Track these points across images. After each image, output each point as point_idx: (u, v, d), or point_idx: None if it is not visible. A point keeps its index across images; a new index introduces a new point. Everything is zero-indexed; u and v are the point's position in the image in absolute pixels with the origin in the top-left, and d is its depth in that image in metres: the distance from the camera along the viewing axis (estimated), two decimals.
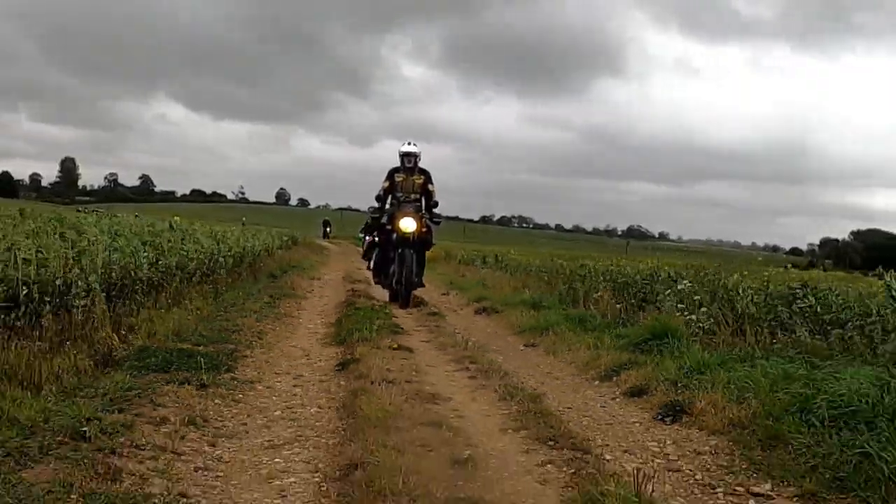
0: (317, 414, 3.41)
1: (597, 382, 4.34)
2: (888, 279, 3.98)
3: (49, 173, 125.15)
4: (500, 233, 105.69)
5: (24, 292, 4.13)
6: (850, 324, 4.07)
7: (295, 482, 2.54)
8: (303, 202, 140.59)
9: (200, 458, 2.67)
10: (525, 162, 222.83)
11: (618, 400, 3.93)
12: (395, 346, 4.71)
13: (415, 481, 2.41)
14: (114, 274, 5.38)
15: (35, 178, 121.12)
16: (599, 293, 6.77)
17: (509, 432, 3.19)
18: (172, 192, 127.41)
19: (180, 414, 3.04)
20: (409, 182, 8.56)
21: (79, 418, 2.90)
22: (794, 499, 2.60)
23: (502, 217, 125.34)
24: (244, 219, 37.28)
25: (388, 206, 8.56)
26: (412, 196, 8.53)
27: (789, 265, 17.68)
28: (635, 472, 2.62)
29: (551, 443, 3.01)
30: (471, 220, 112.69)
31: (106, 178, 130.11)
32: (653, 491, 2.48)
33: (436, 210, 8.59)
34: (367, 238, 21.13)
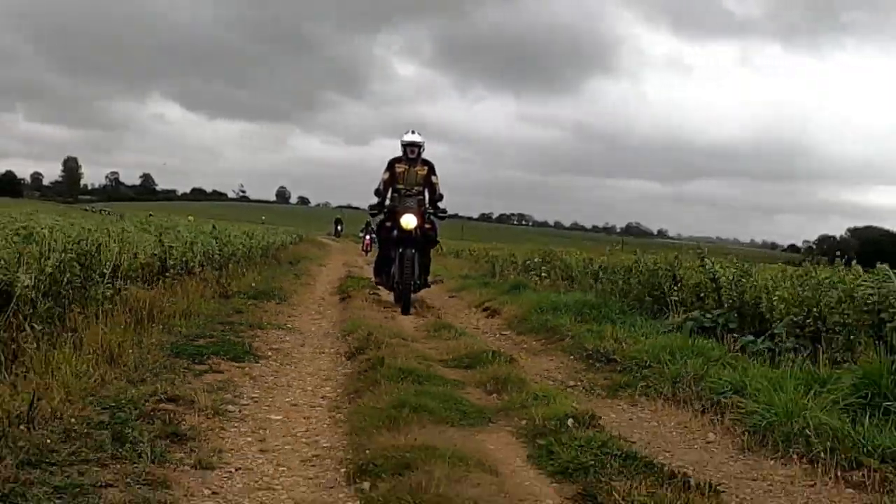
0: (331, 314, 7.67)
1: (474, 308, 8.62)
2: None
3: (49, 172, 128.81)
4: (498, 230, 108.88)
5: (171, 264, 8.39)
6: (587, 274, 8.38)
7: (325, 325, 6.80)
8: (303, 200, 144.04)
9: (284, 317, 6.93)
10: (521, 160, 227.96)
11: (478, 314, 8.21)
12: (370, 292, 8.99)
13: (375, 333, 6.61)
14: (206, 257, 9.65)
15: (36, 177, 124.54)
16: (505, 270, 11.07)
17: (420, 328, 7.39)
18: (174, 191, 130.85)
19: (273, 310, 7.29)
20: (411, 173, 8.33)
21: (227, 311, 7.12)
22: (518, 334, 6.83)
23: (501, 215, 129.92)
24: (263, 218, 41.89)
25: (388, 201, 8.35)
26: (414, 189, 8.29)
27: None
28: (467, 326, 6.87)
29: (441, 329, 7.20)
30: (470, 218, 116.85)
31: (107, 177, 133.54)
32: (472, 327, 6.73)
33: (440, 204, 8.37)
34: (367, 237, 25.26)
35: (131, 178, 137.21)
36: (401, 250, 7.93)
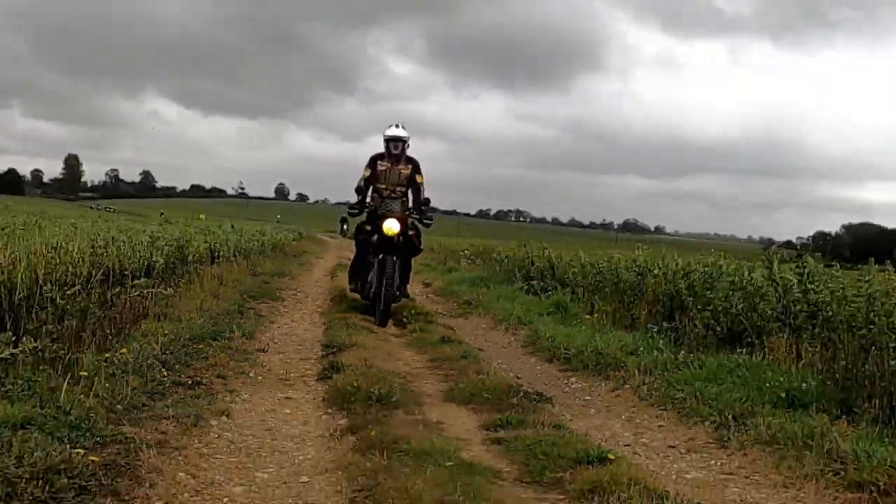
0: (324, 286, 12.29)
1: (420, 285, 13.25)
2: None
3: (47, 169, 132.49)
4: (496, 227, 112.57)
5: (217, 253, 13.02)
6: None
7: (319, 290, 11.42)
8: (301, 197, 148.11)
9: (295, 285, 11.58)
10: (517, 157, 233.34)
11: (420, 287, 12.83)
12: None
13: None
14: (237, 249, 14.30)
15: (36, 174, 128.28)
16: (449, 259, 15.72)
17: None
18: (173, 188, 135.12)
19: (287, 282, 11.92)
20: (393, 172, 8.06)
21: (259, 283, 11.72)
22: (437, 296, 11.40)
23: (499, 211, 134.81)
24: (279, 217, 47.05)
25: (369, 201, 8.12)
26: (397, 189, 8.06)
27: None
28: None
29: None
30: (468, 214, 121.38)
31: (107, 174, 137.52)
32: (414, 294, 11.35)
33: (425, 208, 8.01)
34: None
35: (130, 175, 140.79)
36: (381, 257, 7.69)
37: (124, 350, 4.41)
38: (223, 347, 5.31)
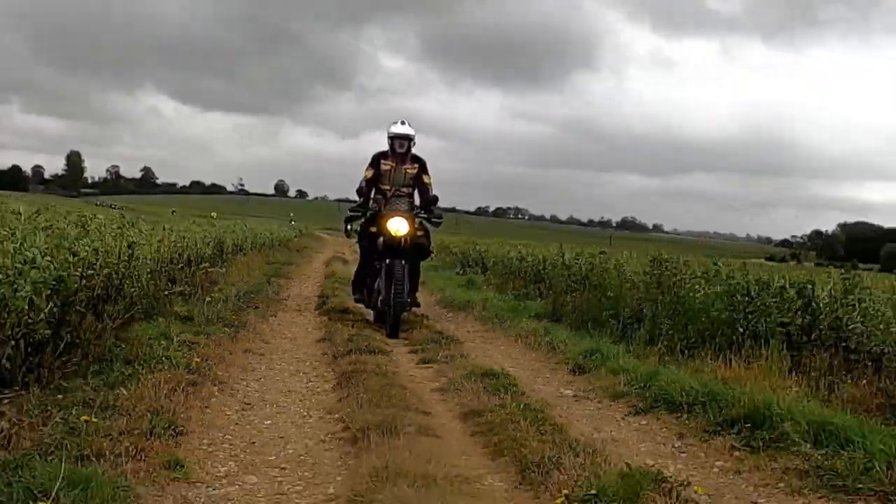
0: (324, 272, 17.02)
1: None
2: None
3: (47, 165, 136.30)
4: (495, 224, 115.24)
5: (228, 249, 17.79)
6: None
7: (318, 274, 16.17)
8: (301, 193, 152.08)
9: (300, 270, 16.34)
10: (514, 154, 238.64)
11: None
12: (345, 263, 18.44)
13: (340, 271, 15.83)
14: (253, 245, 19.05)
15: (37, 170, 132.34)
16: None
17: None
18: (174, 184, 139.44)
19: (294, 269, 16.66)
20: (399, 172, 7.86)
21: (273, 269, 16.43)
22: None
23: (498, 209, 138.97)
24: (292, 215, 51.72)
25: (371, 202, 7.90)
26: (403, 190, 7.87)
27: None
28: None
29: None
30: (466, 212, 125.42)
31: (108, 170, 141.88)
32: None
33: (434, 207, 7.86)
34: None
35: (130, 171, 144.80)
36: (388, 262, 7.45)
37: (217, 293, 9.09)
38: (263, 297, 9.98)
